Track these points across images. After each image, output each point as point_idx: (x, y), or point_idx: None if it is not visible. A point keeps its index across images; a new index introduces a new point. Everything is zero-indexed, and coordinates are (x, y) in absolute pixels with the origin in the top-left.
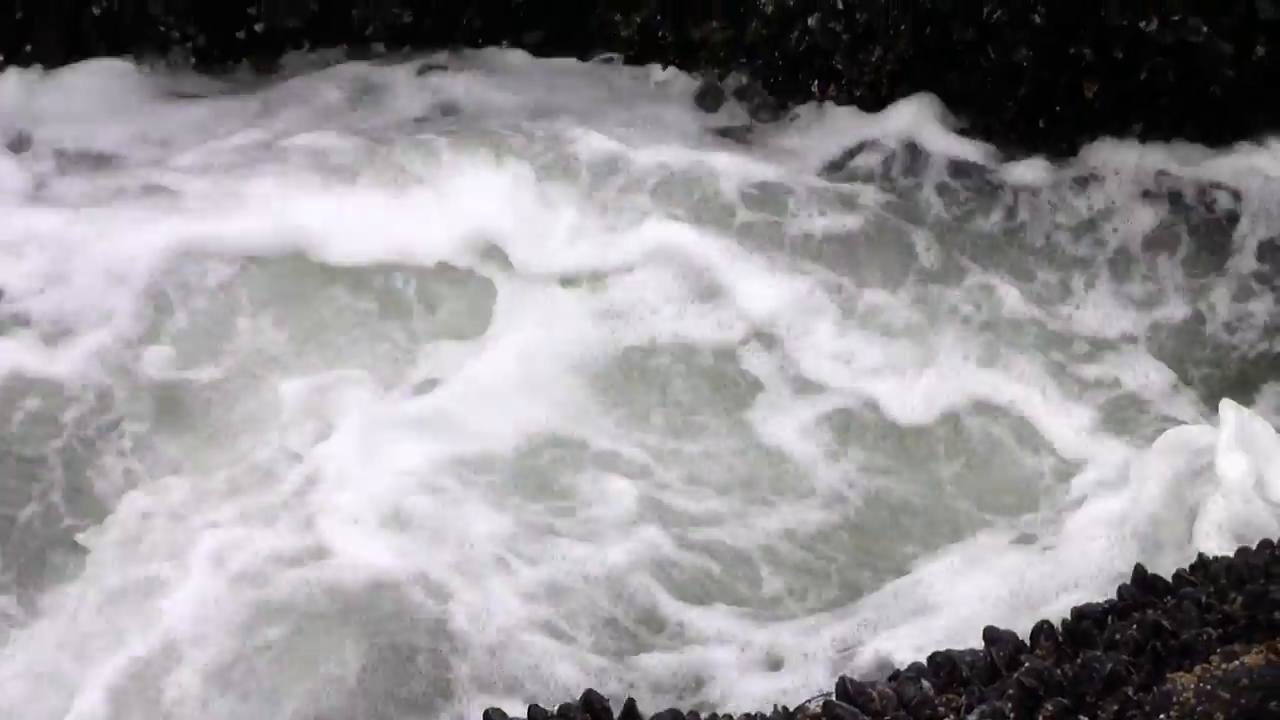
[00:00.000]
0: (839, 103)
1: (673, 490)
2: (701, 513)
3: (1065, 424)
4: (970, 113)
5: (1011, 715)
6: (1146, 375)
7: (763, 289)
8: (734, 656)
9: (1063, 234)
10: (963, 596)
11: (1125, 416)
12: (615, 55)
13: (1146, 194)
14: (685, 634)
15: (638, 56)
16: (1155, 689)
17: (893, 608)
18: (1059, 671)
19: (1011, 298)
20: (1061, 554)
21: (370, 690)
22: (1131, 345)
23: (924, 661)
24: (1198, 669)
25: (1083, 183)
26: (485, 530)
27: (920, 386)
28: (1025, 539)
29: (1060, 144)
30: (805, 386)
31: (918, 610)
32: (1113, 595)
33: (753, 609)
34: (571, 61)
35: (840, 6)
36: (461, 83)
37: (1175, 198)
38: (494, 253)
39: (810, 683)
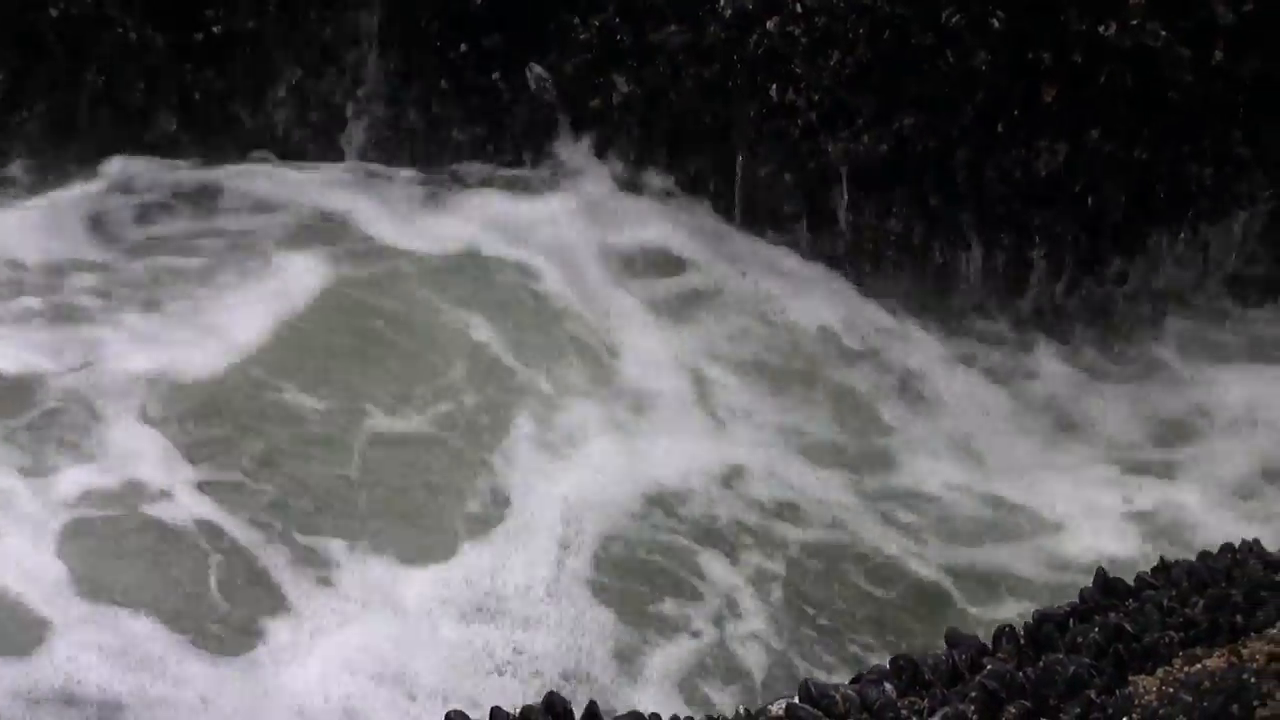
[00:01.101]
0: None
1: None
2: None
3: None
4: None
5: (974, 718)
6: None
7: None
8: None
9: None
10: None
11: None
12: None
13: None
14: None
15: (595, 62)
16: (1118, 692)
17: None
18: (1021, 674)
19: None
20: None
21: None
22: None
23: (886, 664)
24: (1160, 672)
25: None
26: None
27: None
28: None
29: None
30: None
31: None
32: (1074, 598)
33: None
34: None
35: (799, 10)
36: None
37: None
38: None
39: None
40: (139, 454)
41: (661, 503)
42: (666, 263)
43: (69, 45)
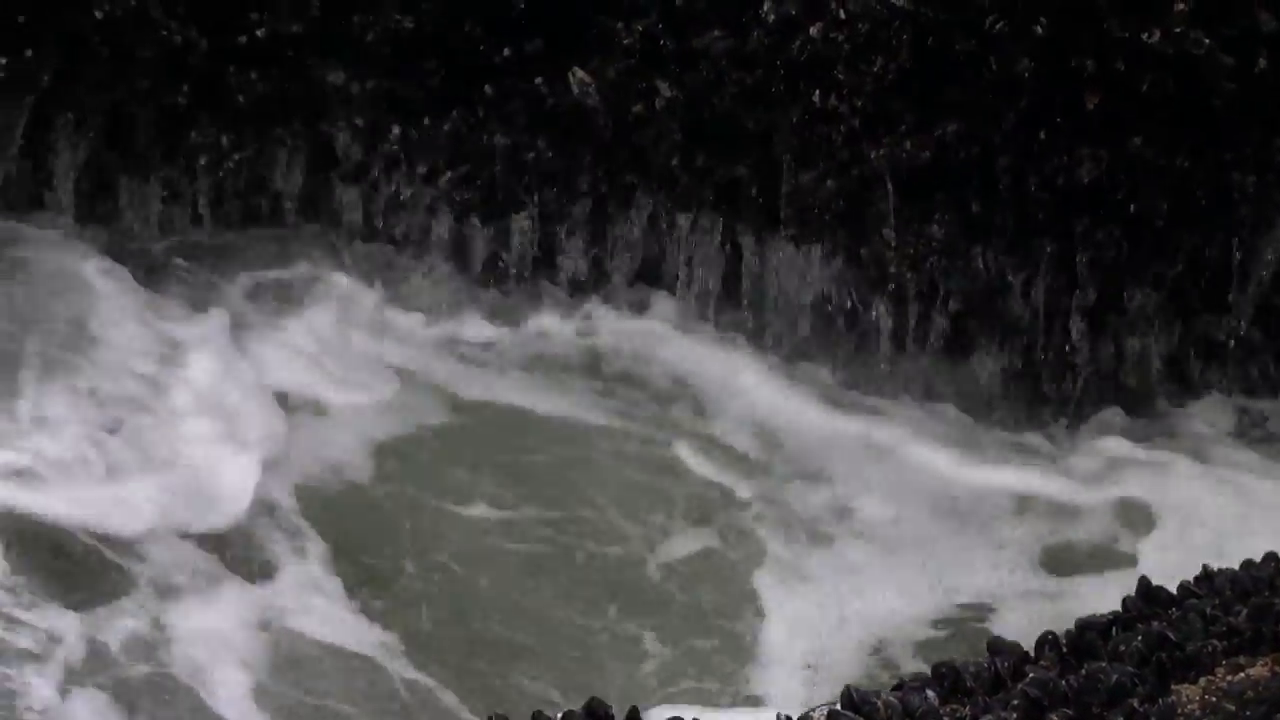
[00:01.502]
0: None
1: None
2: None
3: None
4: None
5: None
6: None
7: None
8: None
9: None
10: None
11: None
12: None
13: None
14: None
15: (638, 67)
16: (1160, 701)
17: None
18: (1063, 683)
19: None
20: None
21: None
22: None
23: (928, 671)
24: (1203, 681)
25: None
26: None
27: None
28: None
29: None
30: None
31: None
32: (1117, 607)
33: None
34: None
35: (842, 16)
36: None
37: None
38: None
39: None
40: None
41: None
42: None
43: (113, 47)
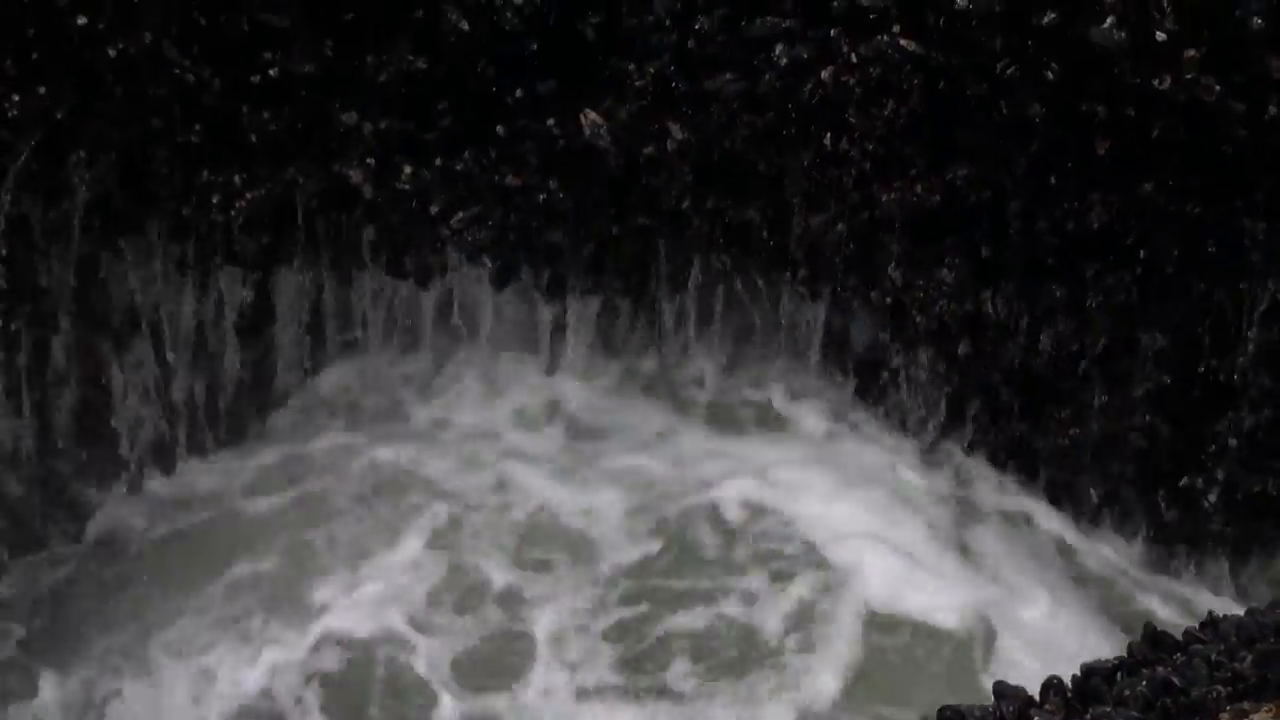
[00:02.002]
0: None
1: None
2: None
3: None
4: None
5: None
6: None
7: None
8: None
9: None
10: None
11: None
12: None
13: None
14: None
15: (650, 109)
16: None
17: None
18: None
19: None
20: None
21: None
22: None
23: (934, 715)
24: None
25: None
26: None
27: None
28: None
29: None
30: None
31: None
32: (1122, 651)
33: None
34: None
35: (853, 60)
36: None
37: None
38: None
39: None
40: None
41: None
42: None
43: (126, 85)
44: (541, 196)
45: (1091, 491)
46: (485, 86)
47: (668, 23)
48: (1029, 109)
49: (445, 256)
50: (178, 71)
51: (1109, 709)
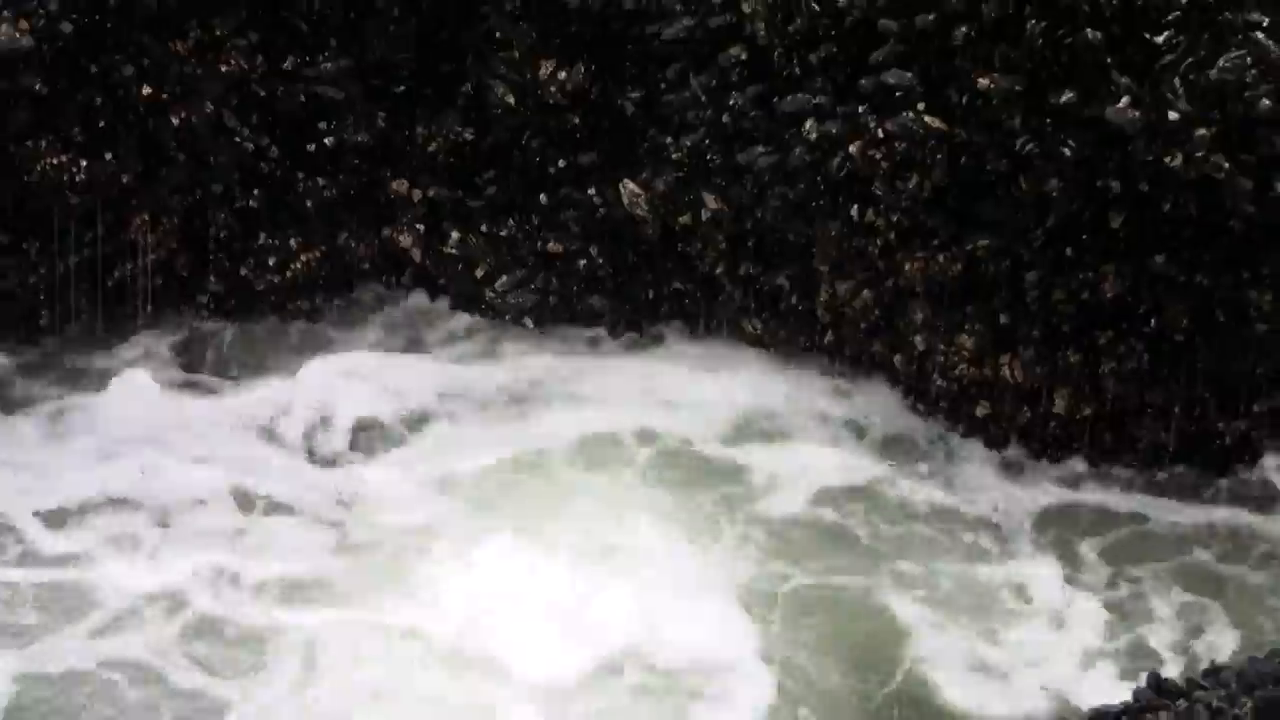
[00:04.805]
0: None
1: None
2: None
3: None
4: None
5: None
6: None
7: None
8: None
9: None
10: None
11: None
12: None
13: None
14: None
15: (686, 180)
16: None
17: None
18: None
19: None
20: None
21: None
22: None
23: None
24: None
25: None
26: None
27: None
28: None
29: None
30: None
31: None
32: (1128, 698)
33: None
34: None
35: (880, 135)
36: None
37: None
38: None
39: None
40: None
41: None
42: None
43: (189, 152)
44: (582, 262)
45: None
46: (529, 157)
47: (703, 99)
48: (1047, 184)
49: None
50: (237, 140)
51: None
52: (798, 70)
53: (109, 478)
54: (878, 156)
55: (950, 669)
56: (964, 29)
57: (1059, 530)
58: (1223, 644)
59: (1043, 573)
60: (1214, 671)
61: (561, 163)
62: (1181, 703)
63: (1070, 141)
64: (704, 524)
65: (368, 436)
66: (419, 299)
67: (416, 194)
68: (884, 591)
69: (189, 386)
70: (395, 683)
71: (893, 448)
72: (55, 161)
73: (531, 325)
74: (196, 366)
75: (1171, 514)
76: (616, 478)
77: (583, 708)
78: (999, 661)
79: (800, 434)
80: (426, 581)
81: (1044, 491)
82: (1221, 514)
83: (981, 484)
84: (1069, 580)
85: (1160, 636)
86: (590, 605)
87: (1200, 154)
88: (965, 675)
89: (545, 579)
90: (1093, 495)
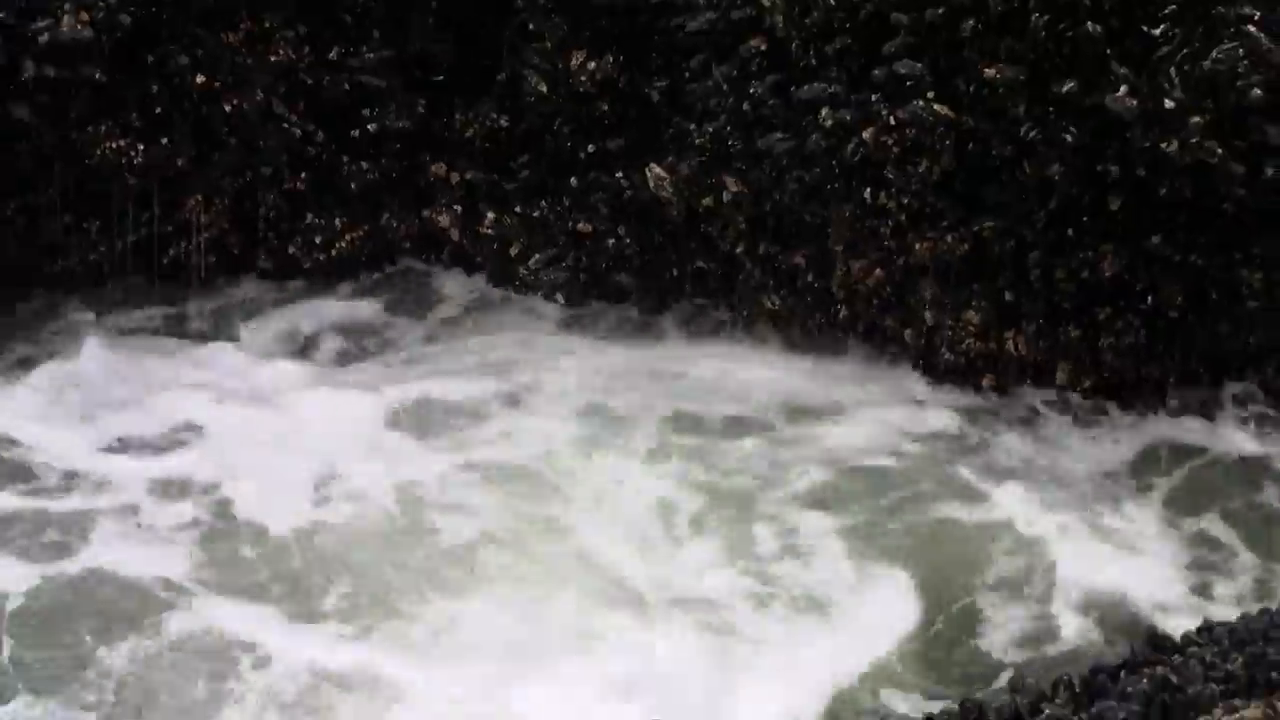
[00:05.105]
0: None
1: None
2: None
3: None
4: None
5: None
6: None
7: None
8: None
9: None
10: None
11: None
12: None
13: None
14: None
15: (708, 164)
16: None
17: None
18: (1076, 719)
19: None
20: None
21: None
22: None
23: (956, 706)
24: None
25: None
26: None
27: None
28: None
29: None
30: None
31: None
32: (1126, 653)
33: None
34: None
35: (892, 122)
36: None
37: None
38: None
39: None
40: None
41: None
42: None
43: (240, 137)
44: (610, 242)
45: None
46: (561, 143)
47: (725, 87)
48: (1049, 169)
49: None
50: (286, 126)
51: (1113, 703)
52: (814, 61)
53: None
54: (889, 142)
55: None
56: (971, 22)
57: None
58: None
59: None
60: (1207, 629)
61: (591, 148)
62: (1177, 658)
63: (1071, 128)
64: None
65: None
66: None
67: (454, 177)
68: None
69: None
70: None
71: None
72: (114, 146)
73: (562, 301)
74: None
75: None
76: None
77: None
78: None
79: None
80: None
81: None
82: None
83: None
84: None
85: None
86: None
87: (1195, 140)
88: None
89: None
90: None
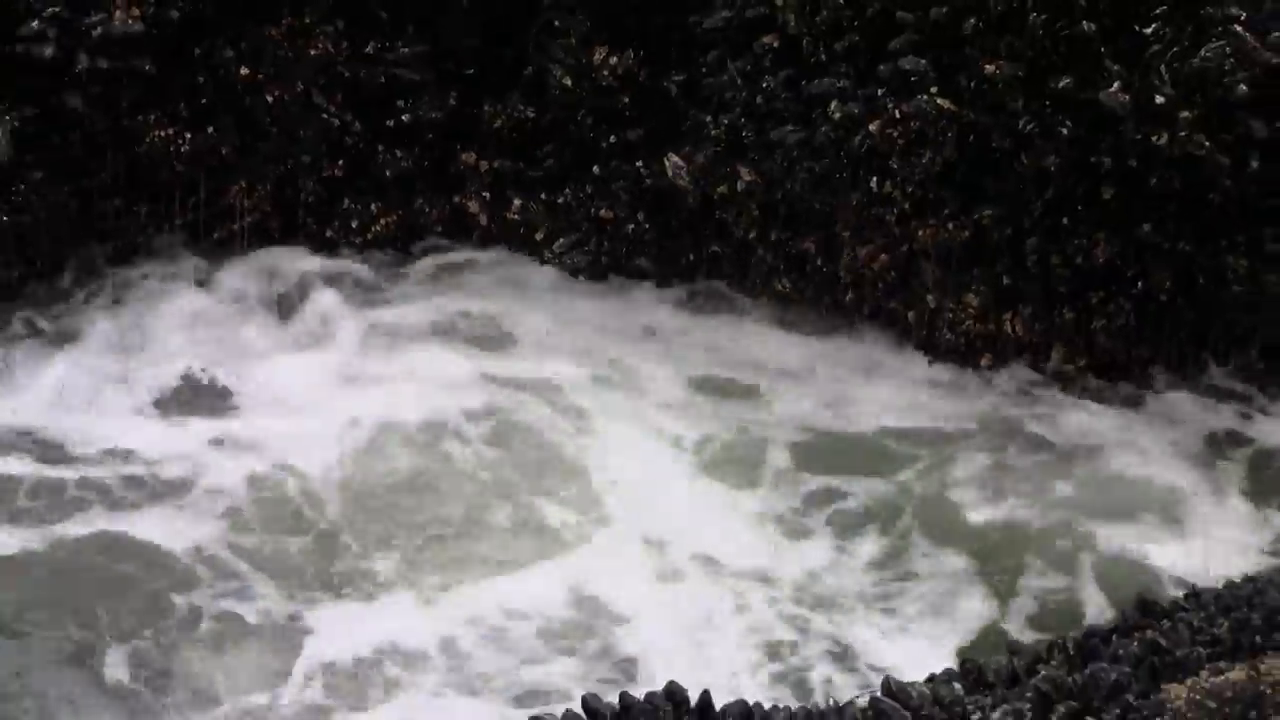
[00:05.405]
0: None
1: None
2: None
3: None
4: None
5: (1029, 715)
6: None
7: None
8: None
9: None
10: None
11: None
12: None
13: None
14: None
15: (723, 154)
16: (1152, 697)
17: None
18: (1070, 680)
19: None
20: None
21: None
22: None
23: (956, 667)
24: (1189, 682)
25: None
26: None
27: None
28: None
29: None
30: None
31: None
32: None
33: None
34: None
35: (897, 116)
36: None
37: None
38: None
39: None
40: None
41: None
42: None
43: (281, 127)
44: (630, 227)
45: None
46: (584, 133)
47: (739, 82)
48: (1045, 160)
49: None
50: (325, 116)
51: (1105, 665)
52: (824, 57)
53: None
54: (895, 135)
55: None
56: (973, 21)
57: None
58: None
59: None
60: (1194, 595)
61: (612, 138)
62: (1166, 622)
63: (1067, 122)
64: None
65: None
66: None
67: (483, 165)
68: None
69: None
70: None
71: None
72: (163, 134)
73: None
74: None
75: None
76: None
77: None
78: None
79: None
80: None
81: None
82: None
83: None
84: None
85: None
86: None
87: (1183, 134)
88: None
89: None
90: None
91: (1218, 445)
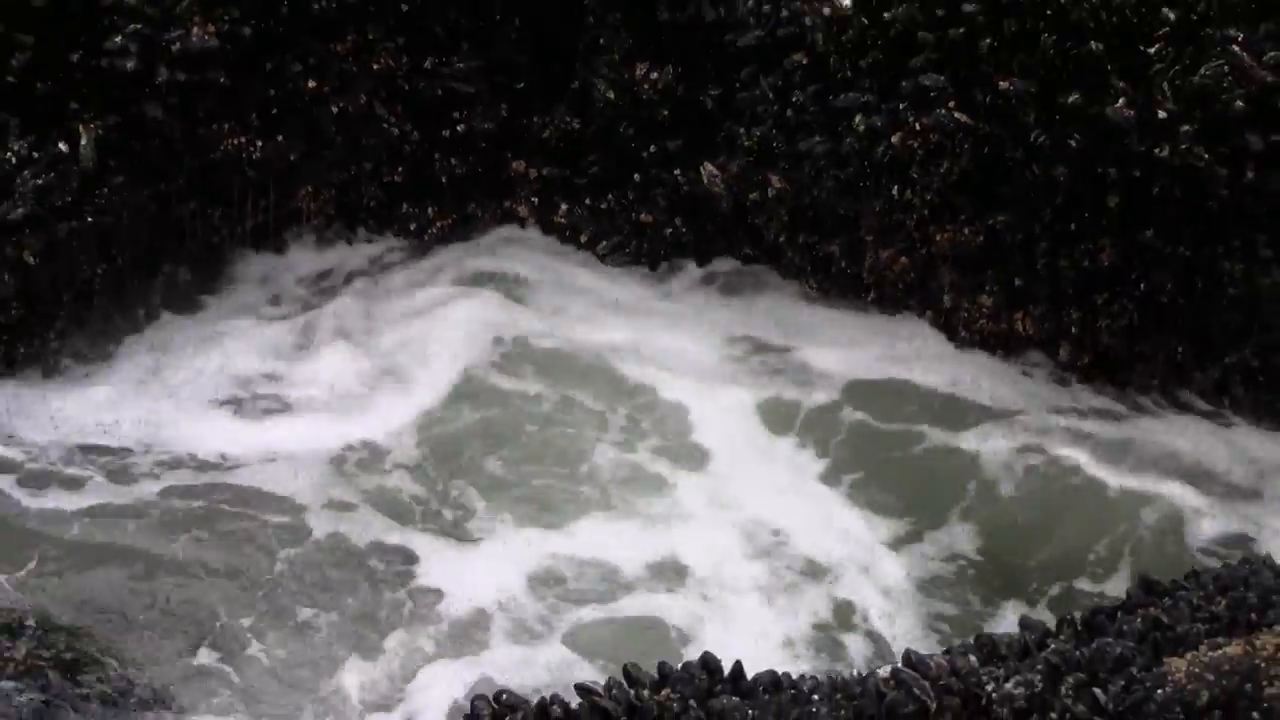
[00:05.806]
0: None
1: None
2: None
3: None
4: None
5: (1040, 686)
6: None
7: None
8: None
9: None
10: None
11: None
12: None
13: None
14: None
15: (755, 164)
16: (1154, 670)
17: None
18: (1078, 653)
19: None
20: None
21: None
22: None
23: (971, 641)
24: (1189, 656)
25: None
26: None
27: None
28: None
29: None
30: None
31: None
32: (1123, 596)
33: None
34: None
35: (917, 128)
36: None
37: None
38: None
39: None
40: None
41: None
42: None
43: (345, 135)
44: (668, 231)
45: None
46: (626, 143)
47: (771, 96)
48: (1055, 170)
49: None
50: (385, 126)
51: (1110, 639)
52: (849, 73)
53: None
54: (915, 145)
55: None
56: (988, 41)
57: None
58: None
59: None
60: (1194, 575)
61: (652, 148)
62: (1167, 600)
63: (1075, 135)
64: None
65: None
66: None
67: (532, 172)
68: None
69: None
70: None
71: None
72: (235, 142)
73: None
74: None
75: None
76: None
77: None
78: None
79: None
80: None
81: None
82: None
83: None
84: None
85: None
86: None
87: (1184, 146)
88: None
89: None
90: None
91: None
